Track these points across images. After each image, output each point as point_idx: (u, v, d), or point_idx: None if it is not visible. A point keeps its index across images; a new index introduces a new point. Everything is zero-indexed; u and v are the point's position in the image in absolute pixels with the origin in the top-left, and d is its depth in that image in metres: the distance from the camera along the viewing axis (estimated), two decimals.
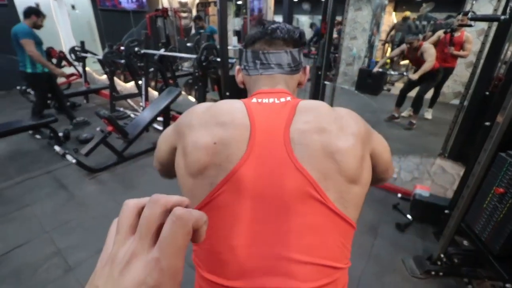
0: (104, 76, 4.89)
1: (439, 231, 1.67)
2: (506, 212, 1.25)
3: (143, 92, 3.31)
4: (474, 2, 1.52)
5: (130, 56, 3.23)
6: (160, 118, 2.98)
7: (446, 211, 1.65)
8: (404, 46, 3.43)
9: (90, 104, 4.34)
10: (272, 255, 0.46)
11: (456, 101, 4.53)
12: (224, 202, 0.47)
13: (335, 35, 4.92)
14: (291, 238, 0.46)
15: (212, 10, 7.62)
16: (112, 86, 3.92)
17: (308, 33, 10.67)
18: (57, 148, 2.36)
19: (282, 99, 0.55)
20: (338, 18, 4.82)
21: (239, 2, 8.15)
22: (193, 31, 7.50)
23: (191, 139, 0.51)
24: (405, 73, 3.48)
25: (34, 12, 2.71)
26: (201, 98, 2.53)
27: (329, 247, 0.48)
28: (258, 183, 0.47)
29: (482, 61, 2.00)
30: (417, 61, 3.34)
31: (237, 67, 0.66)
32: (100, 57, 4.07)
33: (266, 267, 0.46)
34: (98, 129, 2.35)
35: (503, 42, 1.83)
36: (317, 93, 2.76)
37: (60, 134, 2.83)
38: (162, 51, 3.41)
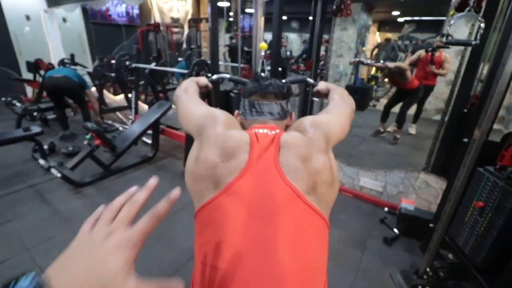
0: (93, 89, 4.86)
1: (425, 245, 1.70)
2: (486, 225, 1.30)
3: (133, 105, 3.30)
4: (448, 26, 1.63)
5: (120, 70, 3.23)
6: (149, 132, 2.97)
7: (431, 225, 1.69)
8: (408, 54, 3.62)
9: (78, 117, 4.26)
10: (262, 246, 0.53)
11: (438, 117, 4.72)
12: (223, 204, 0.57)
13: (322, 52, 5.12)
14: (279, 231, 0.54)
15: (204, 26, 7.78)
16: (101, 99, 3.89)
17: (297, 51, 11.01)
18: (41, 161, 2.30)
19: (273, 132, 0.69)
20: (326, 37, 5.04)
21: (231, 19, 8.37)
22: (184, 45, 7.61)
23: (204, 154, 0.63)
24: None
25: None
26: None
27: (310, 236, 0.57)
28: (253, 191, 0.57)
29: (459, 80, 2.13)
30: (394, 80, 3.58)
31: (236, 111, 0.82)
32: (90, 70, 4.06)
33: (256, 252, 0.54)
34: (85, 142, 2.32)
35: (478, 62, 1.96)
36: (305, 109, 2.83)
37: (45, 147, 2.76)
38: (153, 65, 3.45)
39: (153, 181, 0.39)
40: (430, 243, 1.47)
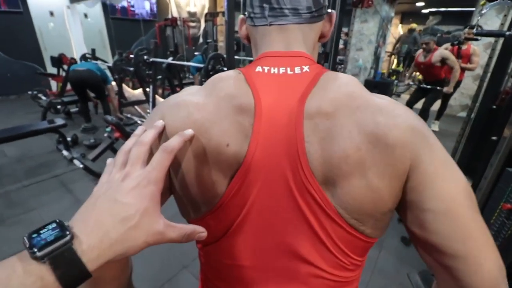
0: (113, 83, 5.00)
1: None
2: None
3: (151, 100, 3.37)
4: (479, 17, 1.53)
5: (139, 64, 3.30)
6: None
7: None
8: (418, 52, 3.41)
9: (99, 110, 4.42)
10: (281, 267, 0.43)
11: (463, 114, 4.50)
12: (228, 212, 0.41)
13: (341, 46, 4.98)
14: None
15: (220, 20, 7.77)
16: (120, 93, 4.00)
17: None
18: (65, 152, 2.40)
19: (297, 69, 0.40)
20: (344, 30, 4.88)
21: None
22: (201, 40, 7.66)
23: (205, 139, 0.40)
24: (438, 88, 3.30)
25: None
26: None
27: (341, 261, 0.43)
28: (262, 189, 0.39)
29: (488, 74, 2.00)
30: (428, 69, 3.31)
31: (241, 16, 0.48)
32: (110, 64, 4.17)
33: (272, 274, 0.44)
34: (105, 135, 2.39)
35: (510, 56, 1.83)
36: None
37: (68, 139, 2.88)
38: (170, 60, 3.50)
39: (161, 121, 0.37)
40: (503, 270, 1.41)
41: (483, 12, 1.51)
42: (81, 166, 2.23)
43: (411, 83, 3.70)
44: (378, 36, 5.41)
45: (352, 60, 5.54)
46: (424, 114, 3.48)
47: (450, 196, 0.34)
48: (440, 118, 3.89)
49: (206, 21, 7.53)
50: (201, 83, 2.89)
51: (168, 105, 0.42)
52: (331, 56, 2.50)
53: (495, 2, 1.45)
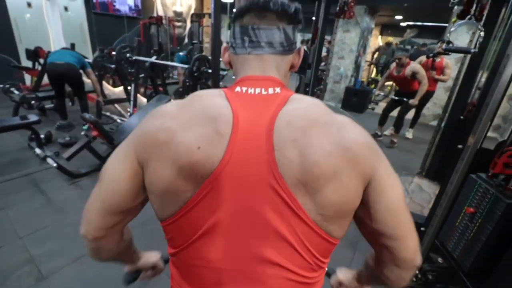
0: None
1: None
2: (476, 231, 1.32)
3: (132, 98, 3.30)
4: (449, 33, 1.65)
5: (121, 62, 3.22)
6: None
7: (422, 229, 1.71)
8: (392, 65, 3.61)
9: (76, 107, 4.24)
10: (247, 265, 0.46)
11: (435, 123, 4.76)
12: (200, 213, 0.44)
13: (324, 53, 5.12)
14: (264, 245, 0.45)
15: (207, 21, 7.76)
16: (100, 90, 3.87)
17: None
18: (38, 150, 2.29)
19: (271, 90, 0.48)
20: (327, 38, 5.04)
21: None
22: (186, 40, 7.59)
23: (177, 144, 0.44)
24: (404, 99, 3.53)
25: None
26: None
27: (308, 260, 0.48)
28: (233, 200, 0.43)
29: (458, 87, 2.15)
30: (402, 81, 3.51)
31: (224, 45, 0.56)
32: (90, 60, 4.04)
33: (241, 276, 0.47)
34: (82, 133, 2.31)
35: (476, 70, 1.98)
36: None
37: (42, 136, 2.75)
38: (153, 59, 3.43)
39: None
40: (420, 247, 1.49)
41: (451, 30, 1.62)
42: (55, 165, 2.13)
43: (381, 93, 3.90)
44: (359, 46, 5.63)
45: (334, 67, 5.72)
46: (399, 122, 3.66)
47: (394, 198, 0.46)
48: (414, 126, 4.10)
49: (192, 21, 7.48)
50: (184, 84, 2.87)
51: (148, 117, 0.48)
52: (313, 66, 2.58)
53: (462, 22, 1.56)
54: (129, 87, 3.54)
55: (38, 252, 1.59)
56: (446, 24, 4.78)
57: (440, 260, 1.68)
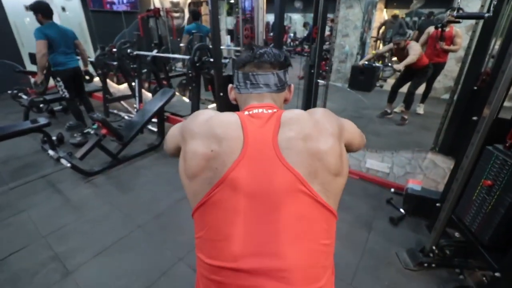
0: (97, 78, 4.86)
1: (432, 224, 1.71)
2: (494, 203, 1.29)
3: (137, 94, 3.30)
4: (459, 0, 1.55)
5: (122, 58, 3.21)
6: (154, 120, 2.98)
7: (438, 204, 1.69)
8: (391, 45, 3.49)
9: (83, 107, 4.30)
10: (264, 240, 0.53)
11: (447, 96, 4.59)
12: (220, 199, 0.54)
13: (327, 32, 4.95)
14: (281, 226, 0.53)
15: (205, 9, 7.58)
16: (105, 88, 3.90)
17: (301, 32, 10.67)
18: (51, 152, 2.34)
19: (270, 110, 0.65)
20: (330, 16, 4.86)
21: (232, 1, 8.13)
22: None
23: (190, 147, 0.60)
24: (389, 64, 3.55)
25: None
26: (195, 99, 2.54)
27: (315, 231, 0.56)
28: (251, 181, 0.54)
29: (470, 56, 2.04)
30: (404, 58, 3.39)
31: (230, 85, 0.76)
32: (92, 59, 4.04)
33: (258, 250, 0.53)
34: (92, 132, 2.34)
35: (489, 37, 1.87)
36: (310, 92, 2.78)
37: (53, 138, 2.81)
38: (154, 52, 3.40)
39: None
40: (436, 222, 1.47)
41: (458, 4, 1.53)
42: (69, 165, 2.18)
43: (365, 62, 3.84)
44: (364, 22, 5.40)
45: (339, 46, 5.54)
46: (409, 97, 3.55)
47: (358, 140, 0.74)
48: (425, 101, 3.96)
49: (190, 10, 7.33)
50: (188, 74, 2.85)
51: (192, 116, 0.67)
52: (317, 46, 2.49)
53: None
54: (133, 83, 3.55)
55: (61, 249, 1.66)
56: None
57: (457, 234, 1.66)
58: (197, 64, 2.37)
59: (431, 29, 3.61)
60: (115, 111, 3.99)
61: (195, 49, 2.32)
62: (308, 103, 2.63)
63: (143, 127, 2.71)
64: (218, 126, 0.59)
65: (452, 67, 4.44)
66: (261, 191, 0.54)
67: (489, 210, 1.32)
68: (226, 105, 2.00)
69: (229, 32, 8.85)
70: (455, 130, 2.06)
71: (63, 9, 5.54)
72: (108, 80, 4.18)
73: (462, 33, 3.61)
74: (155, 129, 3.25)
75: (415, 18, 7.91)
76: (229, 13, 9.29)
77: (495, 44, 1.95)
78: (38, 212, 1.98)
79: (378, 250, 1.68)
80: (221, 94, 1.94)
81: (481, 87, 1.94)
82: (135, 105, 3.84)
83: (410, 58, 3.22)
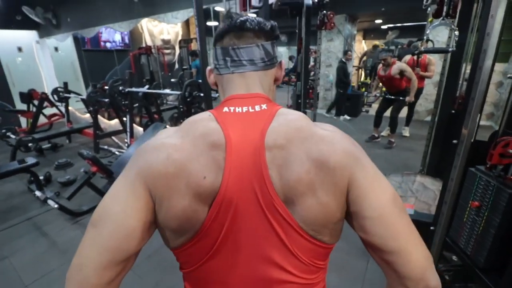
0: (88, 115, 4.89)
1: (428, 249, 1.70)
2: (484, 224, 1.31)
3: (128, 129, 3.32)
4: (427, 34, 1.71)
5: (114, 95, 3.28)
6: None
7: (432, 228, 1.69)
8: (378, 67, 3.70)
9: (73, 144, 4.27)
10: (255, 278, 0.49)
11: (429, 118, 4.81)
12: (212, 236, 0.46)
13: (312, 63, 5.24)
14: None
15: (195, 46, 7.97)
16: (95, 125, 3.91)
17: (287, 63, 11.22)
18: (38, 193, 2.28)
19: (257, 107, 0.50)
20: (313, 48, 5.18)
21: None
22: (176, 66, 7.75)
23: (186, 176, 0.46)
24: (400, 98, 3.59)
25: None
26: None
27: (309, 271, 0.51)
28: (232, 221, 0.45)
29: (444, 81, 2.19)
30: (389, 81, 3.59)
31: (208, 67, 0.58)
32: (84, 97, 4.11)
33: (249, 285, 0.49)
34: (82, 170, 2.31)
35: (459, 64, 2.03)
36: None
37: (41, 177, 2.74)
38: (146, 88, 3.50)
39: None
40: (432, 247, 1.47)
41: (427, 31, 1.68)
42: (56, 206, 2.12)
43: (377, 94, 3.95)
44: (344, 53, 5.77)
45: (323, 76, 5.83)
46: (393, 122, 3.70)
47: (381, 204, 0.44)
48: (410, 124, 4.14)
49: (180, 47, 7.67)
50: (179, 108, 2.92)
51: (148, 149, 0.47)
52: (302, 76, 2.63)
53: (436, 23, 1.63)
54: (124, 118, 3.59)
55: None
56: (425, 22, 4.93)
57: (454, 258, 1.65)
58: (188, 99, 2.44)
59: (407, 58, 3.89)
60: (106, 147, 3.97)
61: (186, 85, 2.41)
62: None
63: None
64: (201, 139, 0.46)
65: (431, 91, 4.71)
66: (244, 235, 0.47)
67: (480, 232, 1.33)
68: None
69: None
70: (439, 152, 2.14)
71: (56, 49, 5.73)
72: (99, 116, 4.21)
73: (436, 60, 3.89)
74: None
75: (392, 47, 8.55)
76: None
77: (466, 69, 2.11)
78: (21, 258, 1.87)
79: (378, 280, 1.63)
80: None
81: (459, 110, 2.05)
82: (126, 140, 3.84)
83: (415, 84, 3.37)
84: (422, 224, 1.82)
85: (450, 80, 2.08)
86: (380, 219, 0.43)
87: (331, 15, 2.98)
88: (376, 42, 7.31)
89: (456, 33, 1.60)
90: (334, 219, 0.46)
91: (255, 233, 0.46)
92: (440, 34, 4.56)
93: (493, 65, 1.13)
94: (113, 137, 4.22)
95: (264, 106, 0.50)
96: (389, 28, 7.70)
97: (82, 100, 4.23)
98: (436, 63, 3.81)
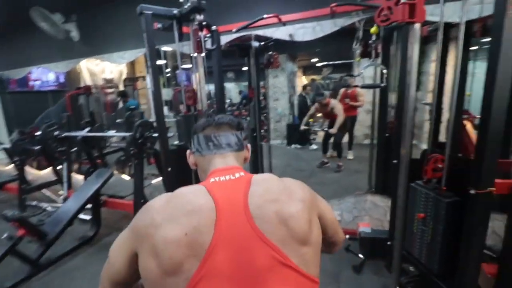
0: (8, 167, 4.19)
1: (389, 263, 1.80)
2: (432, 233, 1.46)
3: (65, 180, 2.92)
4: (363, 70, 2.02)
5: (47, 141, 2.90)
6: (87, 206, 2.59)
7: (388, 243, 1.82)
8: (316, 105, 4.17)
9: None
10: None
11: (367, 141, 5.41)
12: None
13: (262, 97, 5.55)
14: None
15: (141, 84, 7.77)
16: (21, 177, 3.34)
17: (236, 98, 11.69)
18: None
19: (237, 174, 0.65)
20: (261, 83, 5.54)
21: (168, 75, 8.59)
22: (120, 105, 7.36)
23: (160, 237, 0.52)
24: (325, 129, 4.12)
25: None
26: (139, 175, 2.38)
27: None
28: (231, 265, 0.51)
29: (376, 110, 2.52)
30: (328, 115, 4.09)
31: (188, 151, 0.77)
32: (7, 145, 3.53)
33: None
34: (4, 236, 1.90)
35: (386, 95, 2.39)
36: (255, 152, 2.93)
37: None
38: (85, 132, 3.17)
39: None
40: (393, 261, 1.56)
41: (362, 71, 1.97)
42: None
43: (305, 127, 4.37)
44: (289, 87, 6.31)
45: (273, 109, 6.20)
46: (337, 147, 4.09)
47: (332, 220, 0.71)
48: (352, 147, 4.59)
49: (125, 86, 7.39)
50: (128, 150, 2.72)
51: (142, 209, 0.60)
52: (256, 108, 2.77)
53: (368, 64, 1.92)
54: (58, 167, 3.16)
55: None
56: (353, 60, 5.76)
57: (411, 268, 1.77)
58: (139, 141, 2.30)
59: (342, 90, 4.45)
60: (35, 203, 3.38)
61: (137, 125, 2.28)
62: (255, 163, 2.74)
63: (73, 218, 2.33)
64: (186, 203, 0.56)
65: (364, 117, 5.35)
66: (245, 276, 0.51)
67: (430, 240, 1.48)
68: (175, 179, 1.92)
69: (167, 102, 9.15)
70: (382, 171, 2.38)
71: None
72: (26, 167, 3.63)
73: (366, 91, 4.52)
74: (87, 217, 2.80)
75: (327, 81, 9.75)
76: (164, 85, 9.73)
77: (391, 98, 2.47)
78: None
79: None
80: (169, 169, 1.88)
81: (391, 133, 2.36)
82: (60, 192, 3.36)
83: (339, 120, 3.84)
84: (380, 241, 1.95)
85: (381, 108, 2.42)
86: (333, 226, 0.72)
87: (276, 56, 3.30)
88: (314, 77, 8.23)
89: (385, 71, 1.90)
90: (320, 234, 0.64)
91: (252, 270, 0.52)
92: (368, 70, 5.35)
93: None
94: (43, 190, 3.63)
95: (241, 173, 0.66)
96: (323, 66, 8.79)
97: (5, 149, 3.63)
98: (364, 94, 4.42)
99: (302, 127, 4.32)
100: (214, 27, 2.02)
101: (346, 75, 4.50)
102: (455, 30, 1.60)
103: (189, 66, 2.19)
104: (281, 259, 0.52)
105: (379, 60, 2.23)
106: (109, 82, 7.21)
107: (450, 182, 1.41)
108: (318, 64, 8.87)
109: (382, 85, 1.91)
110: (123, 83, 7.50)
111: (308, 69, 9.74)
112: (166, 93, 9.29)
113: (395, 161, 1.68)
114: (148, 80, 8.59)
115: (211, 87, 2.38)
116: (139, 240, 0.55)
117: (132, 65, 8.15)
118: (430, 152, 1.50)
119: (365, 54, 2.38)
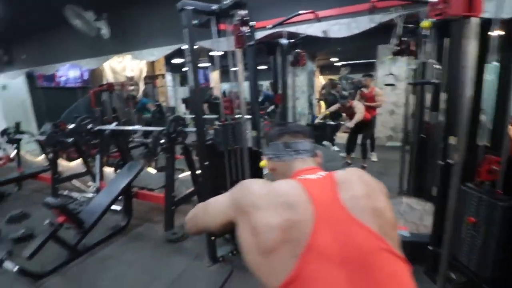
0: (39, 158, 4.35)
1: (429, 269, 1.74)
2: (484, 238, 1.40)
3: (98, 171, 3.00)
4: (388, 66, 1.95)
5: (81, 134, 2.99)
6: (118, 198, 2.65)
7: (429, 247, 1.75)
8: (337, 105, 4.21)
9: (24, 192, 3.68)
10: None
11: (390, 143, 5.29)
12: (315, 273, 0.51)
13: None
14: None
15: (160, 82, 7.91)
16: (54, 168, 3.46)
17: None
18: None
19: (321, 173, 0.71)
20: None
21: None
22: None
23: (260, 219, 0.57)
24: (342, 122, 4.15)
25: None
26: (170, 169, 2.43)
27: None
28: (338, 246, 0.53)
29: (411, 110, 2.44)
30: (351, 115, 4.03)
31: (265, 157, 0.85)
32: (39, 137, 3.67)
33: None
34: (47, 221, 1.97)
35: (423, 94, 2.31)
36: None
37: None
38: (114, 125, 3.23)
39: None
40: (440, 267, 1.50)
41: (388, 75, 1.92)
42: (15, 269, 1.73)
43: (320, 121, 4.36)
44: (309, 86, 6.25)
45: (293, 108, 6.17)
46: (363, 147, 4.05)
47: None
48: (375, 149, 4.50)
49: (145, 83, 7.54)
50: (155, 146, 2.77)
51: (241, 188, 0.68)
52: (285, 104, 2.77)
53: (415, 65, 1.85)
54: (89, 159, 3.25)
55: None
56: (374, 60, 5.64)
57: (453, 275, 1.70)
58: (172, 136, 2.34)
59: (359, 92, 4.41)
60: (65, 192, 3.49)
61: (171, 120, 2.32)
62: None
63: (108, 208, 2.39)
64: (283, 194, 0.60)
65: (387, 118, 5.23)
66: (352, 257, 0.52)
67: (480, 245, 1.42)
68: (211, 173, 1.92)
69: (184, 101, 9.25)
70: (420, 173, 2.31)
71: (4, 87, 5.17)
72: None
73: (387, 92, 4.43)
74: (118, 208, 2.87)
75: (344, 81, 9.61)
76: (182, 84, 9.83)
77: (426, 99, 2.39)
78: None
79: None
80: (207, 163, 1.89)
81: (428, 135, 2.29)
82: (89, 183, 3.46)
83: (357, 117, 3.83)
84: (420, 244, 1.89)
85: (418, 108, 2.35)
86: None
87: (303, 54, 3.27)
88: (332, 77, 8.11)
89: (438, 66, 1.81)
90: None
91: (357, 245, 0.56)
92: (395, 69, 5.23)
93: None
94: (73, 181, 3.76)
95: (322, 173, 0.71)
96: (342, 65, 8.65)
97: (38, 141, 3.77)
98: (382, 94, 4.31)
99: (317, 120, 4.32)
100: (253, 23, 2.02)
101: (364, 75, 4.42)
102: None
103: (208, 64, 2.19)
104: (381, 243, 0.55)
105: (414, 58, 2.17)
106: (130, 80, 7.38)
107: (505, 185, 1.35)
108: (337, 64, 8.74)
109: (437, 81, 1.83)
110: (143, 80, 7.64)
111: (325, 69, 9.62)
112: (183, 91, 9.42)
113: (441, 162, 1.62)
114: (168, 78, 8.75)
115: (225, 86, 2.39)
116: (238, 213, 0.63)
117: (152, 63, 8.29)
118: (484, 153, 1.44)
119: (400, 53, 2.32)
